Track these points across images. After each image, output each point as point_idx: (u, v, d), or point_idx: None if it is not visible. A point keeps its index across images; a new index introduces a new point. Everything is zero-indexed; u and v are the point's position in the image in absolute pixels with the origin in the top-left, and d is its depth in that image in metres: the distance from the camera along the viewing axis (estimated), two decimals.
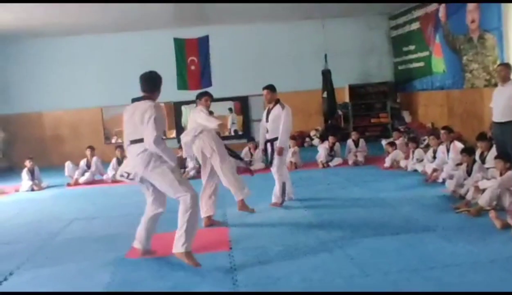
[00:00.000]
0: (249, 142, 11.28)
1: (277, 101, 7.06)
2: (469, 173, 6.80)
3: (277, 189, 7.07)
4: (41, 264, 5.12)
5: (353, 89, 14.50)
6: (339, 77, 14.04)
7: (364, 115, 14.63)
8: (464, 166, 6.91)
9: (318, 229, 5.68)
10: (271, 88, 7.09)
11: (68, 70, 14.00)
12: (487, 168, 6.87)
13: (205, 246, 5.27)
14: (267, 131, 7.06)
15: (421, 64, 13.17)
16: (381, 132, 14.12)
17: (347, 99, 14.58)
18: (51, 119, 14.14)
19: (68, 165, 10.76)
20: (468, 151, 6.97)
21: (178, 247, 4.51)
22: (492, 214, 5.31)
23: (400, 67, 14.59)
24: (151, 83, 4.82)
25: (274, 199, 7.09)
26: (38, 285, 4.46)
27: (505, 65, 6.98)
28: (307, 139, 14.30)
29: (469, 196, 6.28)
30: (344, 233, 5.42)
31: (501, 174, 6.04)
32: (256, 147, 10.85)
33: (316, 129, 14.39)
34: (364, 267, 4.32)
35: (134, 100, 4.71)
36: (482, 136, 7.49)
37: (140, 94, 4.77)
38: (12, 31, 12.94)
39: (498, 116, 6.84)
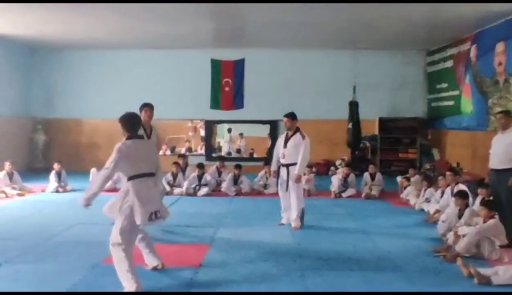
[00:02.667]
0: (265, 165, 11.53)
1: (297, 130, 7.48)
2: (461, 217, 6.78)
3: (294, 214, 7.41)
4: (26, 261, 5.62)
5: (383, 122, 14.51)
6: (368, 109, 14.13)
7: (392, 149, 14.56)
8: (456, 210, 6.90)
9: (292, 256, 5.87)
10: (292, 116, 7.51)
11: (108, 81, 14.89)
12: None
13: (180, 260, 5.64)
14: (283, 156, 7.43)
15: (452, 103, 13.04)
16: (408, 168, 13.94)
17: (376, 132, 14.59)
18: (89, 126, 15.00)
19: (93, 171, 11.38)
20: (461, 194, 6.95)
21: None
22: (459, 261, 5.33)
23: (433, 104, 14.47)
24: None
25: (293, 224, 7.42)
26: (12, 279, 4.94)
27: (505, 113, 6.94)
28: (332, 168, 14.38)
29: (450, 241, 6.27)
30: (314, 263, 5.59)
31: (484, 222, 6.03)
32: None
33: (342, 159, 14.45)
34: None
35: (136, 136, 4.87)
36: (481, 183, 7.44)
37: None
38: (58, 43, 13.99)
39: (495, 163, 6.80)
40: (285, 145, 7.46)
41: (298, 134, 7.44)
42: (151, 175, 4.76)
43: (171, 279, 5.00)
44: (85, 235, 6.90)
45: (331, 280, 5.04)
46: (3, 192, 9.95)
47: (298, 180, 7.38)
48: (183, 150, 15.51)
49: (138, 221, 4.51)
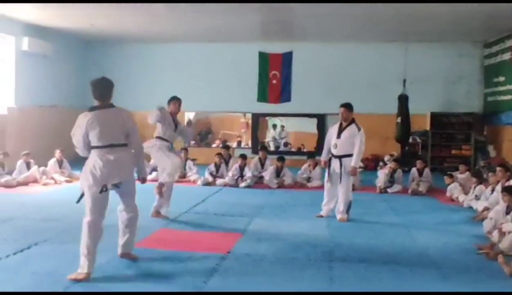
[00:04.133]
0: (308, 159, 11.37)
1: (353, 120, 7.30)
2: (508, 214, 6.38)
3: (341, 205, 7.29)
4: (63, 241, 5.78)
5: (435, 117, 13.97)
6: (419, 104, 13.62)
7: (445, 146, 14.00)
8: (504, 206, 6.50)
9: (324, 248, 5.72)
10: (349, 107, 7.32)
11: (157, 74, 15.15)
12: None
13: (209, 246, 5.64)
14: (336, 147, 7.25)
15: (510, 97, 12.33)
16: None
17: (427, 127, 14.07)
18: (139, 118, 15.28)
19: None
20: (509, 190, 6.54)
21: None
22: (500, 258, 5.00)
23: (489, 99, 13.76)
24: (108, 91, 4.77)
25: (339, 216, 7.30)
26: (46, 257, 5.10)
27: None
28: (381, 163, 13.98)
29: (494, 238, 5.92)
30: (345, 255, 5.42)
31: None
32: (316, 164, 10.93)
33: (391, 155, 14.01)
34: (335, 289, 4.36)
35: (101, 107, 4.68)
36: None
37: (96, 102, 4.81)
38: (111, 37, 14.50)
39: None
40: (338, 136, 7.24)
41: (353, 125, 7.23)
42: (119, 145, 4.59)
43: (196, 263, 4.97)
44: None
45: (358, 272, 4.84)
46: (52, 178, 10.34)
47: (353, 172, 7.22)
48: (234, 145, 15.58)
49: (91, 190, 4.50)
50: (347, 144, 7.18)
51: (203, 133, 16.34)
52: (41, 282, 4.38)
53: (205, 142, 16.01)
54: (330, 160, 7.42)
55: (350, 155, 7.17)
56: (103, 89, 4.71)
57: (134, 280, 4.48)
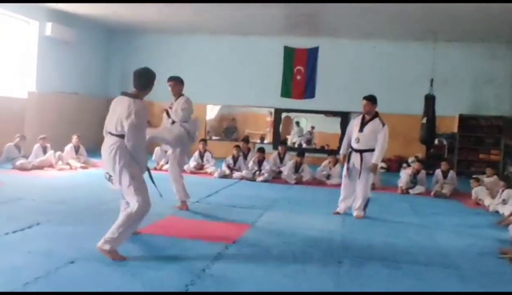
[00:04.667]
0: (329, 156, 11.05)
1: (376, 114, 6.98)
2: None
3: (358, 202, 7.00)
4: (65, 222, 5.65)
5: (463, 119, 13.44)
6: (447, 105, 13.14)
7: (472, 149, 13.46)
8: None
9: (337, 243, 5.43)
10: (372, 99, 6.99)
11: (178, 66, 14.82)
12: None
13: (216, 235, 5.43)
14: (358, 141, 6.93)
15: None
16: None
17: (455, 129, 13.56)
18: (158, 109, 15.20)
19: (156, 151, 11.53)
20: None
21: (102, 243, 4.31)
22: None
23: None
24: (142, 80, 4.53)
25: (355, 212, 7.02)
26: (44, 237, 4.95)
27: None
28: (404, 164, 13.54)
29: None
30: (358, 252, 5.10)
31: None
32: (336, 162, 10.60)
33: (416, 156, 13.56)
34: (340, 287, 4.05)
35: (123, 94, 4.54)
36: None
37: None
38: (134, 26, 14.43)
39: None
40: (361, 130, 6.90)
41: (377, 120, 6.88)
42: (112, 135, 4.43)
43: (200, 250, 4.74)
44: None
45: (369, 270, 4.50)
46: (68, 163, 10.26)
47: (374, 169, 6.88)
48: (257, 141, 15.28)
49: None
50: (369, 139, 6.84)
51: (229, 131, 16.04)
52: (33, 261, 4.20)
53: (232, 139, 15.64)
54: (350, 154, 7.10)
55: (371, 150, 6.84)
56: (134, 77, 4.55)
57: (126, 265, 4.22)
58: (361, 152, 6.90)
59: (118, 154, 4.34)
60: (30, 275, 3.80)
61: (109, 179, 4.45)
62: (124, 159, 4.35)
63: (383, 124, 6.84)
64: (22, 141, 10.18)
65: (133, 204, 4.33)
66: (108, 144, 4.42)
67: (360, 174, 6.93)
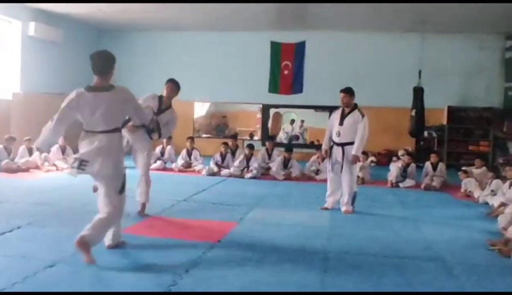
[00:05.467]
0: (317, 150, 10.98)
1: (355, 106, 6.94)
2: None
3: (345, 197, 6.93)
4: (47, 224, 5.54)
5: (452, 111, 13.42)
6: (436, 97, 13.11)
7: (461, 141, 13.44)
8: None
9: (322, 239, 5.36)
10: (349, 91, 6.94)
11: (167, 63, 14.73)
12: None
13: (200, 234, 5.32)
14: (339, 134, 6.89)
15: None
16: None
17: (444, 122, 13.53)
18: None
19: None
20: None
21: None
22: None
23: (510, 93, 13.15)
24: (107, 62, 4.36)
25: (343, 208, 6.95)
26: (24, 240, 4.85)
27: None
28: (394, 158, 13.51)
29: (510, 234, 5.47)
30: (343, 247, 5.04)
31: None
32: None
33: (405, 150, 13.51)
34: (325, 283, 3.98)
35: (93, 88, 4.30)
36: None
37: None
38: (121, 24, 14.25)
39: None
40: (341, 123, 6.86)
41: (356, 112, 6.85)
42: (104, 132, 4.22)
43: (184, 250, 4.66)
44: None
45: (356, 265, 4.44)
46: (54, 165, 10.13)
47: (355, 160, 6.84)
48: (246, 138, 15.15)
49: None
50: (350, 132, 6.83)
51: (220, 128, 15.88)
52: (11, 265, 4.09)
53: (223, 136, 15.45)
54: (331, 148, 7.04)
55: (352, 143, 6.81)
56: None
57: (106, 268, 4.10)
58: (342, 145, 6.87)
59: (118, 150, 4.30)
60: (7, 280, 3.70)
61: (80, 165, 4.12)
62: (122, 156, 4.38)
63: (363, 116, 6.82)
64: (11, 142, 10.03)
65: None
66: (104, 142, 4.17)
67: (342, 168, 6.87)
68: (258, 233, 5.50)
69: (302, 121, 15.81)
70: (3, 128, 11.11)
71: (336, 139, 6.95)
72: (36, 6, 11.95)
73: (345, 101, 6.91)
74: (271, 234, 5.47)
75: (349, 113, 6.88)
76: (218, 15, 12.53)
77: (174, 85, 6.45)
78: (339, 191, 7.07)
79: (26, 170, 9.76)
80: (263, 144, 14.08)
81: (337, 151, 6.93)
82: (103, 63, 4.32)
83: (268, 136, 13.61)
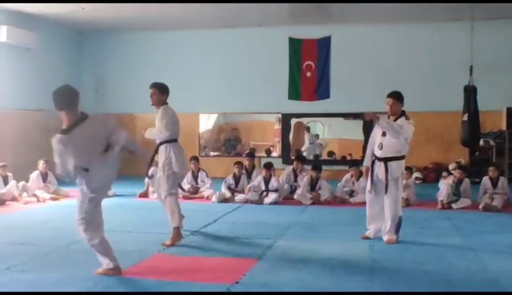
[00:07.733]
0: (351, 167, 10.98)
1: (403, 113, 6.94)
2: None
3: (387, 223, 6.90)
4: (29, 269, 5.59)
5: None
6: (491, 98, 13.20)
7: None
8: None
9: (361, 275, 5.36)
10: (398, 96, 6.94)
11: (164, 68, 14.88)
12: None
13: (215, 275, 5.38)
14: (381, 147, 6.87)
15: None
16: None
17: (503, 127, 13.56)
18: (142, 122, 15.23)
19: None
20: None
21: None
22: None
23: None
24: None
25: (386, 237, 6.92)
26: (8, 287, 4.91)
27: None
28: (444, 173, 13.45)
29: None
30: (389, 284, 5.04)
31: None
32: (360, 174, 10.51)
33: (457, 162, 13.47)
34: None
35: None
36: None
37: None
38: (106, 24, 14.51)
39: None
40: (384, 134, 6.83)
41: (403, 119, 6.84)
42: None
43: None
44: (111, 243, 6.78)
45: None
46: (34, 195, 10.25)
47: (371, 116, 6.98)
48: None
49: None
50: (395, 144, 6.79)
51: (230, 144, 15.95)
52: None
53: (235, 153, 15.53)
54: (373, 164, 7.03)
55: (398, 158, 6.80)
56: None
57: None
58: (385, 160, 6.84)
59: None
60: None
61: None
62: None
63: (408, 119, 6.83)
64: None
65: None
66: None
67: (386, 188, 6.85)
68: (283, 272, 5.52)
69: (317, 135, 15.86)
70: None
71: (378, 153, 6.91)
72: (7, 7, 12.19)
73: (394, 109, 6.88)
74: (298, 273, 5.48)
75: (395, 121, 6.86)
76: (226, 10, 12.69)
77: (156, 89, 6.90)
78: (381, 215, 7.04)
79: (2, 202, 9.88)
80: (284, 162, 14.19)
81: (379, 167, 6.90)
82: (65, 99, 5.09)
83: (297, 154, 13.60)
